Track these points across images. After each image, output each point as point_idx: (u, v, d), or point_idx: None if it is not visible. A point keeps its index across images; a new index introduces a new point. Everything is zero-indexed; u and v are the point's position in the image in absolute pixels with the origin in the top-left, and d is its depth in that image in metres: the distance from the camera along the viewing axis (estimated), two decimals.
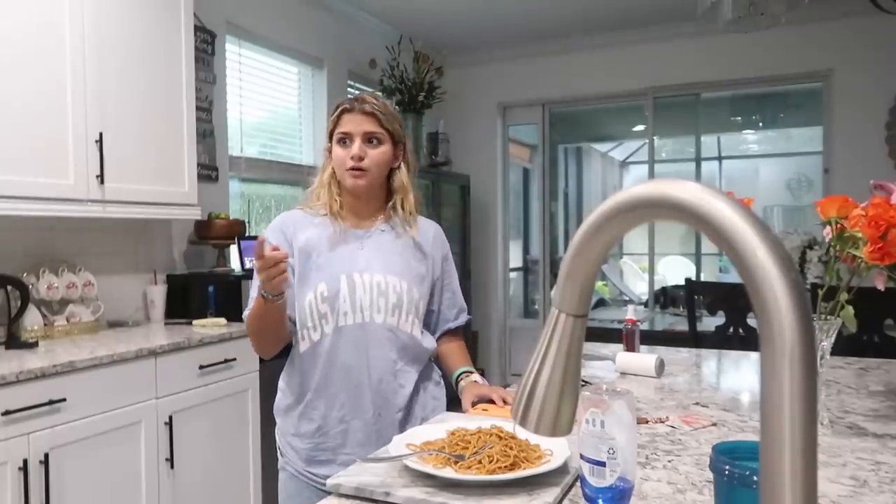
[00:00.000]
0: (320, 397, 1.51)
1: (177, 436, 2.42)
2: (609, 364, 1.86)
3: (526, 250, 6.28)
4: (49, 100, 2.34)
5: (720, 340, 2.92)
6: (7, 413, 1.88)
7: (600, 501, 0.86)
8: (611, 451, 0.84)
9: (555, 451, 1.05)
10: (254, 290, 1.45)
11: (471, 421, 1.24)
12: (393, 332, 1.51)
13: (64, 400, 2.03)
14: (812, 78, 4.65)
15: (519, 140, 6.05)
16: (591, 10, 4.57)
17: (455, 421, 1.26)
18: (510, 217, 5.71)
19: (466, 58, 5.40)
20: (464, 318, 1.70)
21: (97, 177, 2.48)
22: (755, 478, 0.73)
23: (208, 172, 3.36)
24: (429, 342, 1.60)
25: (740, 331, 2.97)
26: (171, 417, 2.39)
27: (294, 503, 1.55)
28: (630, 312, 1.91)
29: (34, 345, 2.30)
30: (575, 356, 0.51)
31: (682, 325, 3.77)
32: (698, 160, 5.47)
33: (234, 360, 2.67)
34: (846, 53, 4.41)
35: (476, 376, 1.58)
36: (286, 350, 1.60)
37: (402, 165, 1.58)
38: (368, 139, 1.51)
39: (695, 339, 3.09)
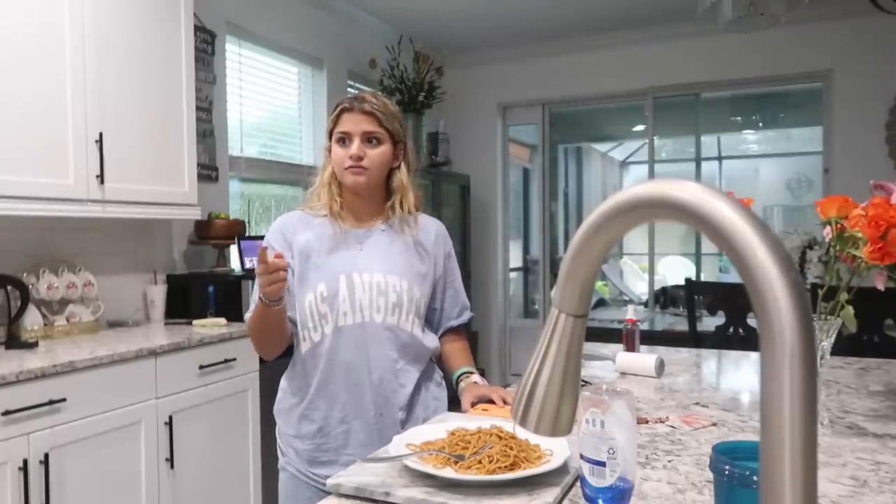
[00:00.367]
0: (321, 397, 1.51)
1: (177, 436, 2.42)
2: (609, 364, 1.86)
3: (526, 250, 6.28)
4: (49, 100, 2.34)
5: (720, 340, 2.92)
6: (7, 413, 1.88)
7: (600, 501, 0.86)
8: (611, 451, 0.84)
9: (555, 451, 1.05)
10: (255, 293, 1.45)
11: (471, 421, 1.24)
12: (393, 331, 1.51)
13: (64, 400, 2.03)
14: (812, 78, 4.65)
15: (519, 140, 6.05)
16: (592, 11, 4.57)
17: (455, 421, 1.26)
18: (510, 217, 5.71)
19: (466, 58, 5.40)
20: (467, 315, 1.70)
21: (97, 177, 2.48)
22: (755, 478, 0.73)
23: (208, 172, 3.36)
24: (430, 341, 1.59)
25: (740, 331, 2.97)
26: (171, 417, 2.39)
27: (294, 503, 1.55)
28: (630, 312, 1.91)
29: (34, 345, 2.30)
30: (575, 356, 0.51)
31: (682, 325, 3.77)
32: (698, 160, 5.47)
33: (234, 360, 2.67)
34: (846, 53, 4.41)
35: (476, 377, 1.58)
36: (289, 351, 1.60)
37: (402, 165, 1.58)
38: (367, 139, 1.50)
39: (695, 339, 3.09)
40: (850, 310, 1.20)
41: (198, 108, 3.09)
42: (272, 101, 4.07)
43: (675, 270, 6.72)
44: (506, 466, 1.00)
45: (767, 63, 4.59)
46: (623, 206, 0.45)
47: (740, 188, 6.57)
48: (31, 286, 2.47)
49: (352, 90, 4.59)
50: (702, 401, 1.50)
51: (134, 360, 2.27)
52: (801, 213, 5.87)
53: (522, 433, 1.07)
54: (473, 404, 1.46)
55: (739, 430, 1.28)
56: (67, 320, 2.60)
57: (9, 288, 2.38)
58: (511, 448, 1.03)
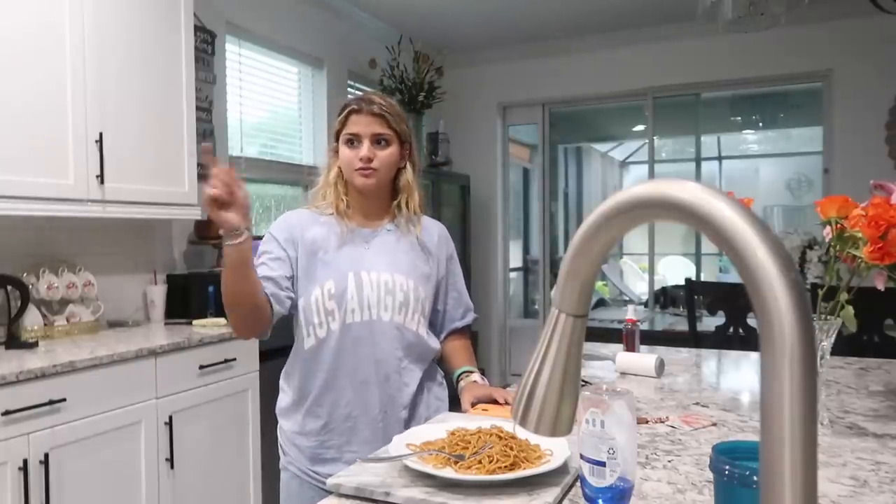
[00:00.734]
0: (326, 394, 1.51)
1: (177, 436, 2.41)
2: (609, 364, 1.86)
3: (526, 250, 6.29)
4: (49, 100, 2.34)
5: (720, 340, 2.92)
6: (7, 413, 1.88)
7: (600, 501, 0.86)
8: (611, 451, 0.84)
9: (555, 451, 1.05)
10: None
11: (471, 421, 1.24)
12: (400, 329, 1.51)
13: (64, 400, 2.03)
14: (812, 78, 4.65)
15: (519, 140, 6.06)
16: (592, 11, 4.57)
17: (455, 421, 1.26)
18: (510, 217, 5.71)
19: (466, 58, 5.40)
20: (470, 317, 1.70)
21: (97, 177, 2.48)
22: (755, 478, 0.73)
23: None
24: (434, 342, 1.60)
25: (740, 331, 2.97)
26: (171, 417, 2.39)
27: (296, 503, 1.55)
28: (630, 312, 1.91)
29: (34, 345, 2.30)
30: (575, 356, 0.51)
31: (682, 325, 3.77)
32: (698, 160, 5.48)
33: (234, 360, 2.67)
34: (846, 53, 4.41)
35: (476, 376, 1.58)
36: (288, 349, 1.60)
37: (408, 165, 1.59)
38: (377, 140, 1.51)
39: (695, 339, 3.09)
40: (850, 310, 1.20)
41: (198, 108, 3.09)
42: (272, 101, 4.07)
43: (675, 270, 6.73)
44: (506, 466, 1.00)
45: (767, 63, 4.59)
46: (623, 206, 0.45)
47: (740, 188, 6.57)
48: (31, 286, 2.47)
49: (352, 90, 4.59)
50: (702, 401, 1.50)
51: (134, 360, 2.27)
52: (801, 213, 5.88)
53: (522, 433, 1.07)
54: (473, 404, 1.46)
55: (739, 430, 1.28)
56: (67, 320, 2.60)
57: (9, 288, 2.38)
58: (511, 448, 1.03)
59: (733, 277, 4.41)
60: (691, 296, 3.24)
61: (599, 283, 6.97)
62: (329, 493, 1.01)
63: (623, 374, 1.78)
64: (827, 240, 1.22)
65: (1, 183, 2.19)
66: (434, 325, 1.65)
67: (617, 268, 7.62)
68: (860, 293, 1.19)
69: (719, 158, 6.90)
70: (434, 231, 1.65)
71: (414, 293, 1.53)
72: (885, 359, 2.00)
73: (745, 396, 1.59)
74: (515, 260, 6.01)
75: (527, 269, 6.32)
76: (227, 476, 2.67)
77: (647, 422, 1.32)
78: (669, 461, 1.10)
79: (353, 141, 1.51)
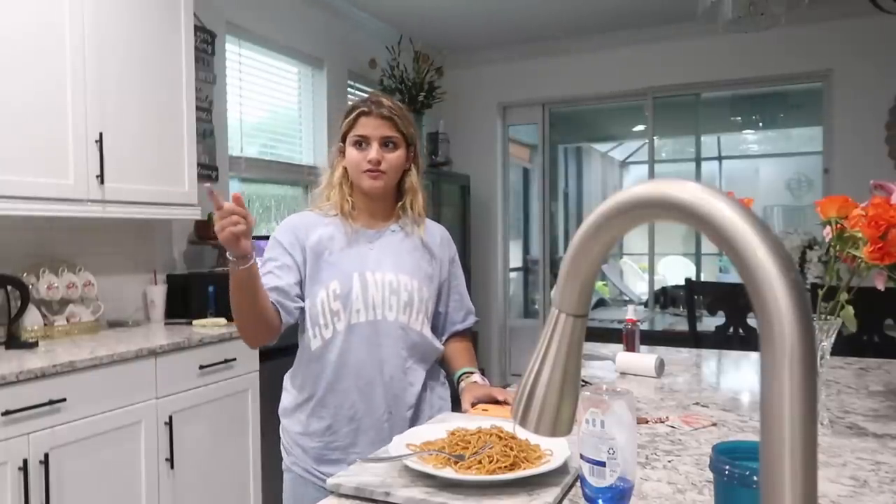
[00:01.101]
0: (332, 394, 1.51)
1: (177, 436, 2.41)
2: (609, 364, 1.86)
3: (526, 250, 6.29)
4: (49, 100, 2.34)
5: (720, 340, 2.92)
6: (7, 413, 1.88)
7: (600, 501, 0.86)
8: (611, 451, 0.84)
9: (555, 451, 1.05)
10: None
11: (471, 421, 1.24)
12: (404, 329, 1.52)
13: (64, 400, 2.03)
14: (812, 78, 4.65)
15: (519, 140, 6.05)
16: (591, 11, 4.57)
17: (455, 421, 1.26)
18: (510, 217, 5.71)
19: (466, 58, 5.40)
20: (471, 320, 1.71)
21: (97, 177, 2.48)
22: (755, 478, 0.73)
23: (208, 172, 3.36)
24: (437, 342, 1.61)
25: (740, 331, 2.97)
26: (171, 417, 2.39)
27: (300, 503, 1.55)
28: (630, 312, 1.91)
29: (34, 345, 2.30)
30: (575, 356, 0.51)
31: (682, 325, 3.77)
32: (698, 160, 5.48)
33: (234, 360, 2.67)
34: (846, 53, 4.41)
35: (477, 376, 1.58)
36: (291, 349, 1.60)
37: (413, 167, 1.60)
38: (385, 143, 1.51)
39: (695, 339, 3.09)
40: (850, 310, 1.20)
41: (198, 108, 3.09)
42: (272, 101, 4.07)
43: (675, 270, 6.73)
44: (506, 466, 1.00)
45: (767, 63, 4.59)
46: (623, 206, 0.45)
47: (740, 188, 6.56)
48: (31, 286, 2.47)
49: (352, 90, 4.60)
50: (702, 401, 1.50)
51: (134, 360, 2.27)
52: (801, 213, 5.88)
53: (522, 433, 1.07)
54: (474, 404, 1.46)
55: (739, 430, 1.28)
56: (67, 320, 2.60)
57: (9, 288, 2.38)
58: (511, 448, 1.03)
59: (733, 277, 4.41)
60: (691, 296, 3.24)
61: (599, 283, 6.97)
62: (329, 492, 1.01)
63: (623, 374, 1.78)
64: (827, 240, 1.22)
65: (1, 183, 2.19)
66: (435, 327, 1.65)
67: (617, 268, 7.62)
68: (860, 293, 1.19)
69: (719, 158, 6.90)
70: (437, 233, 1.65)
71: (418, 293, 1.53)
72: (885, 359, 2.00)
73: (745, 396, 1.59)
74: (515, 260, 6.01)
75: (527, 269, 6.32)
76: (227, 476, 2.67)
77: (647, 422, 1.32)
78: (669, 461, 1.10)
79: (362, 143, 1.51)
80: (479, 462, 1.00)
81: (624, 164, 8.62)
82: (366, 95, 1.62)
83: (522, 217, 6.27)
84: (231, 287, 1.37)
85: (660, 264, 6.77)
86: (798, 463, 0.37)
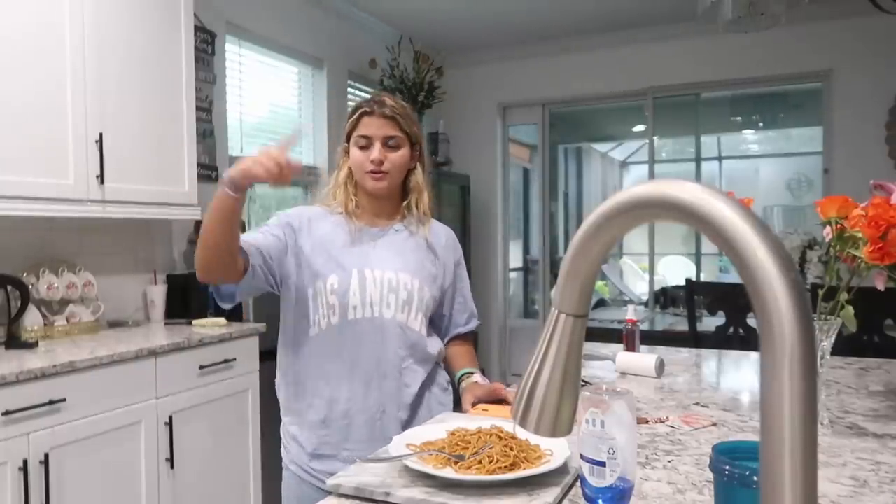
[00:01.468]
0: (325, 388, 1.50)
1: (177, 436, 2.41)
2: (609, 364, 1.86)
3: (526, 250, 6.28)
4: (49, 100, 2.34)
5: (720, 340, 2.92)
6: (7, 413, 1.88)
7: (600, 501, 0.86)
8: (611, 451, 0.84)
9: (555, 451, 1.05)
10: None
11: (471, 421, 1.24)
12: (403, 328, 1.51)
13: (64, 400, 2.03)
14: (812, 78, 4.65)
15: (519, 140, 6.05)
16: (591, 11, 4.57)
17: (455, 421, 1.26)
18: (510, 217, 5.71)
19: (466, 58, 5.40)
20: (474, 323, 1.71)
21: (97, 177, 2.48)
22: (755, 478, 0.73)
23: (208, 172, 3.36)
24: (436, 344, 1.60)
25: (740, 331, 2.97)
26: (171, 417, 2.39)
27: (295, 503, 1.55)
28: (630, 312, 1.91)
29: (34, 345, 2.30)
30: (575, 356, 0.51)
31: (682, 325, 3.77)
32: (698, 160, 5.48)
33: (234, 360, 2.67)
34: (846, 53, 4.41)
35: (478, 376, 1.58)
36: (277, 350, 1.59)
37: (418, 166, 1.59)
38: (388, 143, 1.51)
39: (695, 339, 3.09)
40: (850, 310, 1.20)
41: (198, 108, 3.09)
42: (272, 101, 4.07)
43: (675, 270, 6.72)
44: (506, 466, 1.00)
45: (767, 63, 4.59)
46: (623, 206, 0.45)
47: (740, 188, 6.56)
48: (31, 286, 2.47)
49: (352, 90, 4.60)
50: (702, 401, 1.50)
51: (134, 360, 2.27)
52: (801, 213, 5.87)
53: (522, 433, 1.07)
54: (474, 404, 1.46)
55: (739, 430, 1.28)
56: (67, 320, 2.60)
57: (9, 288, 2.38)
58: (511, 448, 1.03)
59: (733, 277, 4.41)
60: (691, 296, 3.24)
61: (599, 283, 6.97)
62: (328, 493, 1.01)
63: (623, 374, 1.78)
64: (827, 240, 1.22)
65: (1, 183, 2.19)
66: (438, 329, 1.65)
67: (617, 268, 7.62)
68: (860, 293, 1.19)
69: (719, 158, 6.90)
70: (442, 235, 1.65)
71: (419, 293, 1.53)
72: (885, 359, 2.00)
73: (745, 396, 1.59)
74: (515, 260, 6.00)
75: (527, 269, 6.31)
76: (227, 476, 2.67)
77: (647, 422, 1.32)
78: (669, 461, 1.10)
79: (365, 143, 1.51)
80: (479, 462, 1.00)
81: (624, 164, 8.62)
82: (370, 96, 1.62)
83: (522, 217, 6.27)
84: (212, 213, 1.35)
85: (660, 264, 6.77)
86: (798, 463, 0.37)
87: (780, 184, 6.37)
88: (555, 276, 4.70)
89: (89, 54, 2.47)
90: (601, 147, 8.31)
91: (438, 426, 1.21)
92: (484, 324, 5.43)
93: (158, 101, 2.76)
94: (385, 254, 1.54)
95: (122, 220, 2.83)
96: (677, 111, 5.39)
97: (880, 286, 1.21)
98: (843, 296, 1.20)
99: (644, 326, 4.13)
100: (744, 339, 2.90)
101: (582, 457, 0.87)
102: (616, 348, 1.98)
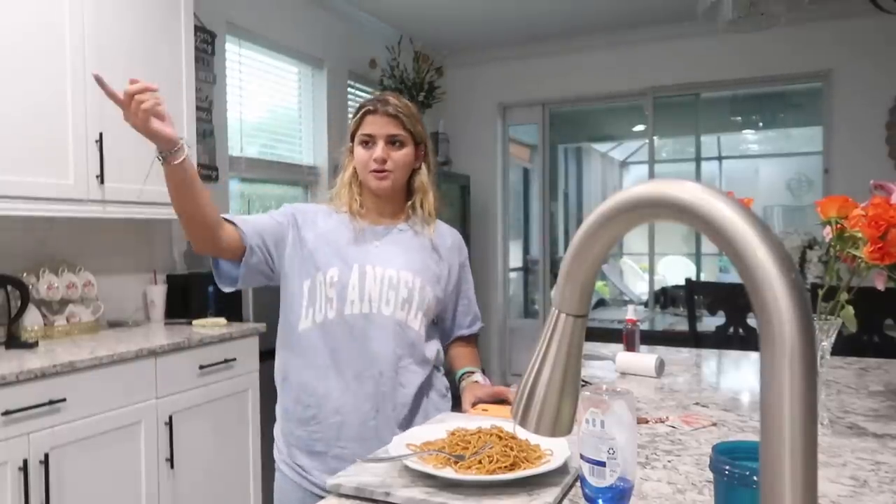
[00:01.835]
0: (317, 382, 1.49)
1: (177, 436, 2.41)
2: (609, 364, 1.86)
3: (526, 250, 6.28)
4: (49, 100, 2.34)
5: (720, 340, 2.92)
6: (7, 413, 1.88)
7: (600, 501, 0.86)
8: (611, 451, 0.84)
9: (555, 451, 1.05)
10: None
11: (471, 421, 1.24)
12: (401, 327, 1.50)
13: (64, 400, 2.03)
14: (812, 78, 4.65)
15: (519, 140, 6.05)
16: (591, 11, 4.57)
17: (455, 421, 1.26)
18: (510, 217, 5.71)
19: (466, 58, 5.40)
20: (478, 326, 1.70)
21: (97, 177, 2.48)
22: (755, 478, 0.73)
23: (208, 172, 3.36)
24: (435, 347, 1.59)
25: (740, 331, 2.97)
26: (171, 417, 2.39)
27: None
28: (630, 312, 1.91)
29: (34, 345, 2.30)
30: (575, 356, 0.51)
31: (682, 325, 3.77)
32: (698, 160, 5.48)
33: (234, 360, 2.67)
34: (846, 53, 4.42)
35: (478, 376, 1.58)
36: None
37: (423, 166, 1.59)
38: (391, 141, 1.51)
39: (695, 339, 3.09)
40: (850, 310, 1.20)
41: (198, 108, 3.09)
42: (272, 101, 4.07)
43: (675, 270, 6.72)
44: (506, 466, 0.99)
45: (767, 63, 4.60)
46: (623, 206, 0.45)
47: (740, 188, 6.56)
48: (31, 286, 2.47)
49: (352, 90, 4.60)
50: (702, 401, 1.50)
51: (134, 360, 2.27)
52: (801, 213, 5.87)
53: (522, 433, 1.07)
54: (474, 404, 1.46)
55: (739, 430, 1.28)
56: (67, 320, 2.60)
57: (9, 288, 2.38)
58: (511, 448, 1.03)
59: (733, 277, 4.41)
60: (691, 296, 3.24)
61: (599, 283, 6.97)
62: (319, 495, 1.01)
63: (623, 374, 1.78)
64: (827, 240, 1.22)
65: (1, 183, 2.19)
66: (441, 331, 1.65)
67: (617, 268, 7.62)
68: (860, 293, 1.19)
69: (719, 158, 6.90)
70: (448, 236, 1.64)
71: (420, 292, 1.52)
72: (885, 359, 2.00)
73: (745, 396, 1.59)
74: (515, 260, 6.01)
75: (527, 269, 6.31)
76: (227, 476, 2.67)
77: (647, 422, 1.32)
78: (669, 461, 1.10)
79: (368, 142, 1.51)
80: (479, 462, 1.00)
81: (624, 164, 8.62)
82: (372, 95, 1.62)
83: (522, 217, 6.27)
84: (168, 189, 1.35)
85: (660, 264, 6.77)
86: (798, 463, 0.37)
87: (780, 184, 6.37)
88: (555, 276, 4.70)
89: (89, 54, 2.47)
90: (601, 147, 8.31)
91: (438, 426, 1.21)
92: (484, 324, 5.42)
93: None
94: (388, 251, 1.53)
95: (122, 220, 2.83)
96: (677, 111, 5.39)
97: (880, 286, 1.21)
98: (843, 296, 1.20)
99: (644, 326, 4.13)
100: (744, 339, 2.90)
101: (582, 457, 0.87)
102: (616, 348, 1.98)
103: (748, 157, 7.28)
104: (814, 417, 0.38)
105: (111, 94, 1.25)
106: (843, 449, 1.15)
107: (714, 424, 1.31)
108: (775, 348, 0.38)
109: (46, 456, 1.98)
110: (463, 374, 1.59)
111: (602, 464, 0.84)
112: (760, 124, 6.59)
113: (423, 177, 1.59)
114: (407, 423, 1.49)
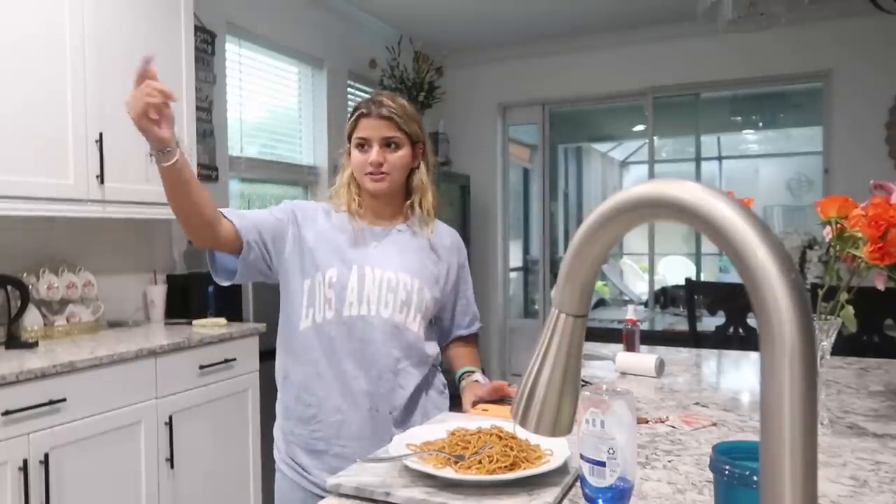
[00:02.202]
0: (317, 382, 1.49)
1: (177, 436, 2.41)
2: (609, 364, 1.86)
3: (526, 250, 6.28)
4: (49, 100, 2.34)
5: (720, 340, 2.92)
6: (7, 413, 1.88)
7: (600, 501, 0.86)
8: (611, 451, 0.84)
9: (555, 451, 1.05)
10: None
11: (471, 421, 1.24)
12: (399, 328, 1.50)
13: (64, 400, 2.03)
14: (812, 78, 4.65)
15: (519, 140, 6.05)
16: (591, 11, 4.57)
17: (455, 421, 1.26)
18: (510, 217, 5.71)
19: (466, 58, 5.40)
20: (476, 325, 1.70)
21: (97, 177, 2.48)
22: (755, 478, 0.73)
23: (208, 172, 3.36)
24: (433, 347, 1.59)
25: (740, 331, 2.97)
26: (171, 417, 2.39)
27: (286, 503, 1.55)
28: (630, 312, 1.91)
29: (34, 345, 2.30)
30: (575, 356, 0.51)
31: (682, 325, 3.77)
32: (698, 160, 5.48)
33: (234, 360, 2.67)
34: (846, 53, 4.42)
35: (478, 375, 1.58)
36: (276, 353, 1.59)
37: (422, 164, 1.58)
38: (386, 144, 1.50)
39: (695, 339, 3.08)
40: (850, 310, 1.20)
41: (198, 108, 3.09)
42: (272, 101, 4.07)
43: (675, 270, 6.73)
44: (506, 466, 0.99)
45: (767, 63, 4.59)
46: (623, 206, 0.45)
47: (740, 188, 6.56)
48: (31, 286, 2.47)
49: (352, 90, 4.60)
50: (702, 401, 1.50)
51: (134, 360, 2.27)
52: (801, 213, 5.88)
53: (522, 433, 1.07)
54: (474, 403, 1.46)
55: (739, 430, 1.28)
56: (67, 320, 2.60)
57: (9, 288, 2.38)
58: (511, 448, 1.03)
59: (733, 277, 4.41)
60: (691, 296, 3.24)
61: (599, 283, 6.97)
62: (319, 495, 1.01)
63: (623, 374, 1.78)
64: (827, 240, 1.22)
65: (1, 183, 2.19)
66: (440, 331, 1.65)
67: (617, 268, 7.62)
68: (860, 293, 1.19)
69: (719, 158, 6.90)
70: (447, 236, 1.64)
71: (418, 294, 1.52)
72: (885, 359, 2.00)
73: (745, 396, 1.59)
74: (515, 260, 6.00)
75: (527, 269, 6.31)
76: (227, 476, 2.67)
77: (647, 422, 1.32)
78: (669, 461, 1.10)
79: (364, 145, 1.51)
80: (479, 462, 1.00)
81: (624, 164, 8.62)
82: (369, 95, 1.61)
83: (522, 217, 6.27)
84: (164, 188, 1.34)
85: (660, 264, 6.77)
86: (798, 463, 0.37)
87: (780, 184, 6.37)
88: (555, 276, 4.70)
89: (89, 54, 2.47)
90: (601, 147, 8.31)
91: (438, 426, 1.21)
92: (484, 324, 5.41)
93: None
94: (387, 253, 1.53)
95: (122, 220, 2.83)
96: (677, 111, 5.39)
97: (880, 286, 1.21)
98: (843, 296, 1.20)
99: (644, 326, 4.13)
100: (744, 339, 2.90)
101: (582, 457, 0.87)
102: (616, 348, 1.98)
103: (748, 157, 7.28)
104: (814, 417, 0.38)
105: (146, 70, 1.23)
106: (843, 449, 1.15)
107: (714, 424, 1.31)
108: (775, 348, 0.38)
109: (46, 456, 1.98)
110: (463, 374, 1.59)
111: (602, 464, 0.84)
112: (760, 124, 6.59)
113: (422, 175, 1.58)
114: (406, 422, 1.50)
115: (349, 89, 4.57)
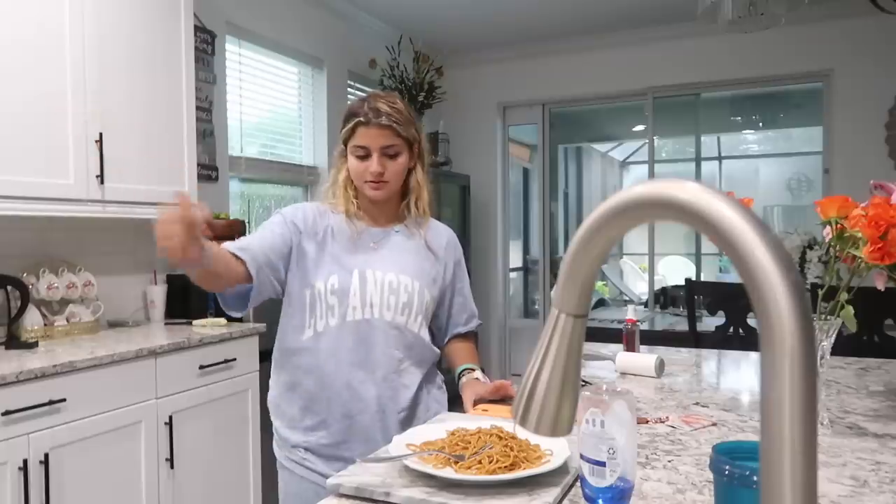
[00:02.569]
0: (324, 390, 1.50)
1: (177, 436, 2.41)
2: (609, 364, 1.86)
3: (526, 250, 6.28)
4: (49, 100, 2.34)
5: (720, 340, 2.92)
6: (7, 413, 1.88)
7: (600, 501, 0.86)
8: (611, 451, 0.84)
9: (555, 451, 1.05)
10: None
11: (471, 421, 1.24)
12: (400, 330, 1.51)
13: (64, 400, 2.03)
14: (812, 78, 4.65)
15: (519, 140, 6.05)
16: (591, 11, 4.57)
17: (455, 421, 1.26)
18: (510, 217, 5.71)
19: (466, 58, 5.40)
20: (475, 323, 1.70)
21: (97, 177, 2.48)
22: (755, 478, 0.73)
23: (208, 172, 3.36)
24: (432, 346, 1.60)
25: (740, 331, 2.97)
26: (171, 417, 2.39)
27: (294, 501, 1.55)
28: (630, 312, 1.91)
29: (34, 345, 2.30)
30: (575, 356, 0.51)
31: (682, 325, 3.77)
32: (698, 160, 5.48)
33: (234, 360, 2.67)
34: (846, 53, 4.42)
35: (478, 373, 1.58)
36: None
37: (417, 164, 1.58)
38: (386, 152, 1.49)
39: (695, 339, 3.08)
40: (850, 310, 1.19)
41: (198, 108, 3.09)
42: (272, 101, 4.07)
43: (675, 270, 6.73)
44: (506, 466, 0.99)
45: (767, 63, 4.59)
46: (623, 206, 0.45)
47: (740, 188, 6.58)
48: (31, 286, 2.47)
49: (352, 90, 4.60)
50: (702, 401, 1.50)
51: (134, 360, 2.27)
52: (801, 213, 5.88)
53: (522, 433, 1.07)
54: (475, 403, 1.46)
55: (739, 430, 1.28)
56: (67, 320, 2.60)
57: (9, 288, 2.38)
58: (511, 448, 1.03)
59: (733, 277, 4.41)
60: (691, 296, 3.24)
61: (599, 283, 6.97)
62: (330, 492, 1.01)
63: (623, 374, 1.78)
64: (827, 240, 1.22)
65: (1, 183, 2.19)
66: (439, 329, 1.66)
67: (617, 268, 7.62)
68: (860, 293, 1.19)
69: (719, 158, 6.90)
70: (443, 235, 1.64)
71: (419, 295, 1.53)
72: (885, 359, 2.00)
73: (745, 396, 1.59)
74: (515, 260, 6.01)
75: (527, 269, 6.31)
76: (227, 476, 2.67)
77: (647, 422, 1.32)
78: (669, 461, 1.10)
79: (362, 153, 1.50)
80: (479, 462, 1.00)
81: (624, 164, 8.62)
82: (364, 95, 1.60)
83: (522, 217, 6.27)
84: (187, 273, 1.34)
85: (660, 264, 6.77)
86: (798, 463, 0.37)
87: (780, 184, 6.37)
88: (555, 276, 4.70)
89: (89, 54, 2.47)
90: (601, 147, 8.31)
91: (438, 426, 1.21)
92: (484, 324, 5.42)
93: (158, 101, 2.76)
94: (386, 255, 1.54)
95: (121, 220, 2.83)
96: (677, 111, 5.39)
97: (880, 286, 1.22)
98: (843, 296, 1.20)
99: (644, 326, 4.13)
100: (744, 339, 2.90)
101: (582, 457, 0.87)
102: (616, 348, 1.98)
103: (748, 157, 7.28)
104: (814, 417, 0.38)
105: (187, 213, 1.17)
106: (843, 449, 1.15)
107: (714, 424, 1.31)
108: (775, 348, 0.38)
109: (46, 456, 1.98)
110: (462, 371, 1.60)
111: (602, 464, 0.84)
112: (760, 124, 6.59)
113: (419, 175, 1.59)
114: (410, 419, 1.52)
115: (349, 89, 4.57)
